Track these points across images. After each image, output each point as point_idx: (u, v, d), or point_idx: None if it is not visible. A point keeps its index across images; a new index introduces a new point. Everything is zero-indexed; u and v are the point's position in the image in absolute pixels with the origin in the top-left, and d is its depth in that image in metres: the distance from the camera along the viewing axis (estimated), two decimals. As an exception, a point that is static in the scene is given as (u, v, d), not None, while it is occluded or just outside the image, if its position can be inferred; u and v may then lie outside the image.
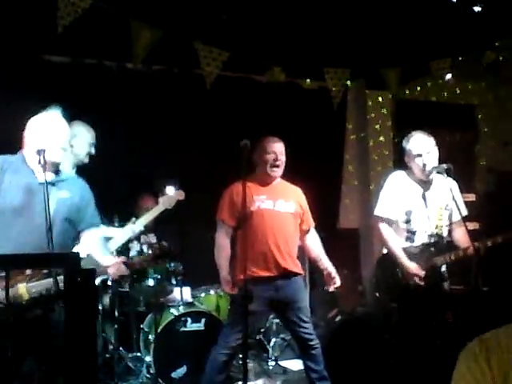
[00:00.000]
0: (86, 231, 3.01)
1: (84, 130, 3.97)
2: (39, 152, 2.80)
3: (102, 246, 3.09)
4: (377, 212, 3.77)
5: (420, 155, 3.66)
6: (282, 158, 3.74)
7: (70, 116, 4.08)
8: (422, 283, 3.60)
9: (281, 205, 3.69)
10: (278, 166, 3.72)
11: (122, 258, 3.07)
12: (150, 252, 3.88)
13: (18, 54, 4.45)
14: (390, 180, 3.83)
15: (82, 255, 3.02)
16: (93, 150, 3.97)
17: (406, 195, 3.72)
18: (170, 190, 3.92)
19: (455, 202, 3.64)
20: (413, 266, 3.61)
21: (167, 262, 4.56)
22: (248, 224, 3.46)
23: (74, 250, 3.01)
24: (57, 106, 2.96)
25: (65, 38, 3.83)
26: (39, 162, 2.79)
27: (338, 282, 3.80)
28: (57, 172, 2.96)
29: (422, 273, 3.60)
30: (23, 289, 2.62)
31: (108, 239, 3.29)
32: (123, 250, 4.37)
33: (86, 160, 3.96)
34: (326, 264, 3.83)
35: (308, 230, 3.90)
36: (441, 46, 4.78)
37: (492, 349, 1.28)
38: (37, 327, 2.64)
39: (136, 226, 3.56)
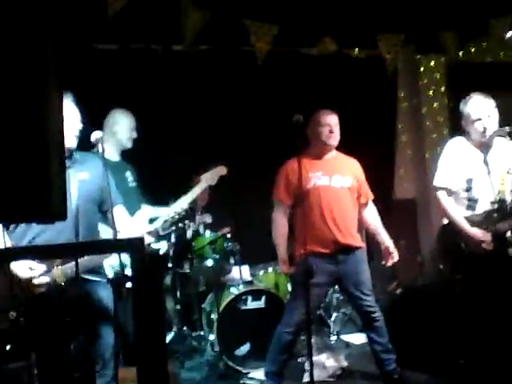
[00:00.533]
0: (114, 208, 2.89)
1: (123, 116, 4.01)
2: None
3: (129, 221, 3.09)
4: (436, 182, 3.66)
5: (480, 119, 3.52)
6: (337, 130, 3.68)
7: (116, 102, 4.17)
8: (489, 248, 3.48)
9: (337, 180, 3.64)
10: (333, 138, 3.66)
11: (148, 228, 3.06)
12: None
13: (68, 43, 4.50)
14: (448, 147, 3.70)
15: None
16: (134, 134, 4.01)
17: (466, 162, 3.60)
18: (212, 167, 3.90)
19: None
20: (477, 232, 3.50)
21: (221, 236, 4.58)
22: (305, 202, 3.43)
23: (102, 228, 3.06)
24: (68, 92, 2.87)
25: (112, 24, 3.84)
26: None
27: (396, 257, 3.74)
28: (70, 156, 2.88)
29: (489, 238, 3.48)
30: (59, 272, 2.68)
31: (154, 220, 3.31)
32: (180, 232, 4.44)
33: (129, 145, 4.02)
34: (385, 238, 3.77)
35: (366, 203, 3.84)
36: (498, 2, 4.54)
37: None
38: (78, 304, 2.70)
39: (179, 203, 3.56)
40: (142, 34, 4.74)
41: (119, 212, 3.01)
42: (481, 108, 3.52)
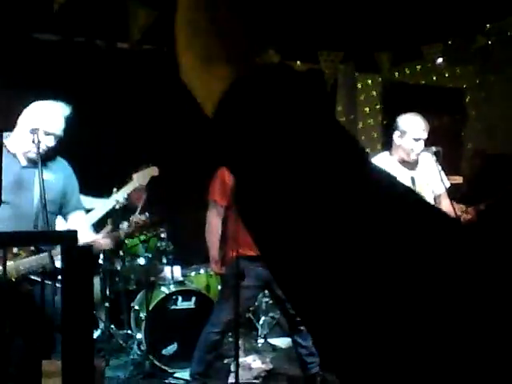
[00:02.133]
0: (72, 213, 3.05)
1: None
2: (33, 131, 2.81)
3: (87, 228, 3.12)
4: None
5: (419, 139, 3.70)
6: None
7: (54, 96, 4.11)
8: None
9: None
10: None
11: (107, 229, 3.11)
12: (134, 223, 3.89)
13: (8, 32, 4.41)
14: (375, 162, 3.88)
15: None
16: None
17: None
18: (144, 167, 3.96)
19: (437, 175, 3.74)
20: None
21: (154, 235, 4.59)
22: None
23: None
24: (62, 98, 2.98)
25: (57, 16, 3.80)
26: (33, 141, 2.81)
27: None
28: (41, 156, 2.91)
29: None
30: (11, 266, 2.65)
31: (88, 211, 3.33)
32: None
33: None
34: None
35: None
36: (431, 29, 4.82)
37: None
38: (26, 304, 2.69)
39: (110, 200, 3.59)
40: (86, 28, 4.70)
41: (78, 218, 3.04)
42: (413, 128, 3.72)
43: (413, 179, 3.80)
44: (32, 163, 2.91)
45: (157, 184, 4.18)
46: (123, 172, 4.38)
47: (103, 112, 4.94)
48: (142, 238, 4.64)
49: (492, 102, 6.57)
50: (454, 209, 3.65)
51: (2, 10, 4.14)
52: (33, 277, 2.76)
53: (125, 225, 3.90)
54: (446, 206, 3.81)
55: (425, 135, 3.70)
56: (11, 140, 2.92)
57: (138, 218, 4.89)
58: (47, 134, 2.90)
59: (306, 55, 5.48)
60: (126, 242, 4.67)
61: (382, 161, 3.84)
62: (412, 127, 3.71)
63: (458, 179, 5.33)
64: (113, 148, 4.94)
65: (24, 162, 2.94)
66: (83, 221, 3.10)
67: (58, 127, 2.96)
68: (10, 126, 3.01)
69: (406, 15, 4.56)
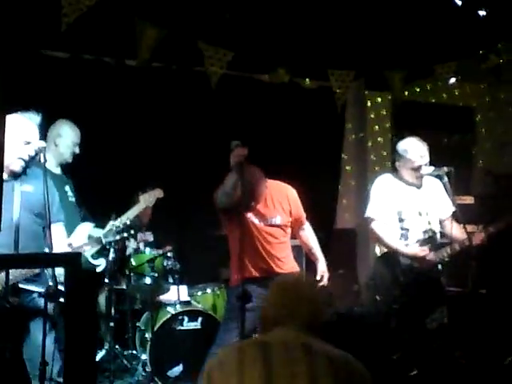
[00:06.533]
0: (53, 225, 2.88)
1: (69, 130, 3.96)
2: (40, 150, 2.79)
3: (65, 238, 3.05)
4: (368, 213, 3.81)
5: (420, 167, 3.70)
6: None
7: (62, 114, 4.10)
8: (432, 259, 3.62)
9: (268, 220, 3.69)
10: None
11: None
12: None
13: (18, 49, 4.41)
14: (377, 183, 3.87)
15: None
16: (77, 150, 3.98)
17: (395, 196, 3.76)
18: (150, 189, 4.01)
19: (444, 198, 3.73)
20: (415, 250, 3.63)
21: (161, 254, 4.55)
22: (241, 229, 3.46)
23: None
24: (37, 109, 2.92)
25: (66, 34, 3.80)
26: (39, 160, 2.78)
27: (325, 278, 3.78)
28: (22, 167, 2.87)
29: (427, 251, 3.62)
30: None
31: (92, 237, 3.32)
32: (120, 245, 4.39)
33: (70, 159, 3.98)
34: (318, 258, 3.82)
35: (301, 228, 3.88)
36: (444, 48, 4.79)
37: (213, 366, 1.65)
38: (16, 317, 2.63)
39: (117, 222, 3.59)
40: (95, 46, 4.70)
41: (58, 230, 2.96)
42: (420, 156, 3.70)
43: (416, 197, 3.76)
44: (12, 176, 2.84)
45: (165, 204, 4.16)
46: (132, 193, 4.38)
47: (110, 130, 4.91)
48: (149, 256, 4.59)
49: (503, 120, 6.52)
50: (464, 232, 3.60)
51: (12, 27, 4.16)
52: (21, 285, 2.70)
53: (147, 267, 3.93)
54: (453, 229, 3.76)
55: (425, 161, 3.67)
56: None
57: (142, 236, 4.88)
58: (26, 143, 2.84)
59: (316, 73, 5.46)
60: (132, 260, 4.63)
61: (387, 181, 3.81)
62: (412, 156, 3.70)
63: (469, 199, 5.27)
64: (121, 167, 4.91)
65: (4, 176, 2.87)
66: (63, 233, 3.03)
67: (35, 136, 2.89)
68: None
69: (418, 34, 4.54)
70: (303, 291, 1.77)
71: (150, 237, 4.92)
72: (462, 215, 3.76)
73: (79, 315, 2.06)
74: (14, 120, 2.86)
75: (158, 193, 3.89)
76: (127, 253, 4.65)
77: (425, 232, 3.72)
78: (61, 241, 2.94)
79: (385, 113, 6.40)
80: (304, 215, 3.88)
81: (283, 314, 1.71)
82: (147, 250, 4.70)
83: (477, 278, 4.54)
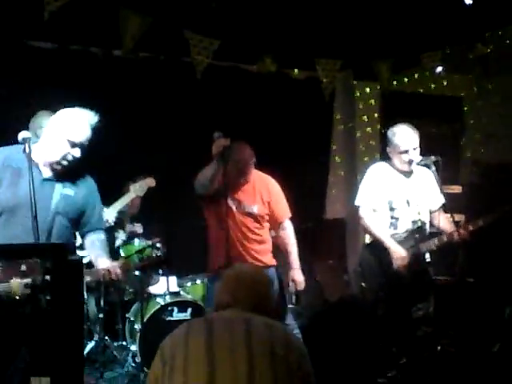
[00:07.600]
0: (91, 234, 2.92)
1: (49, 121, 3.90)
2: (24, 140, 2.72)
3: (104, 250, 2.98)
4: (358, 202, 3.81)
5: (407, 151, 3.69)
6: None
7: (54, 105, 4.05)
8: (404, 264, 3.62)
9: (245, 207, 3.68)
10: None
11: (119, 263, 2.98)
12: (146, 258, 3.94)
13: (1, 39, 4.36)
14: (370, 171, 3.86)
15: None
16: None
17: (388, 185, 3.77)
18: (141, 178, 3.96)
19: (434, 190, 3.74)
20: (400, 249, 3.64)
21: (150, 245, 4.53)
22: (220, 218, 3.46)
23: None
24: (88, 105, 2.88)
25: (50, 24, 3.75)
26: (24, 151, 2.72)
27: (299, 286, 3.77)
28: (65, 168, 2.81)
29: (407, 257, 3.63)
30: (16, 284, 2.56)
31: None
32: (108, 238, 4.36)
33: None
34: (293, 263, 3.78)
35: (280, 223, 3.82)
36: (431, 38, 4.79)
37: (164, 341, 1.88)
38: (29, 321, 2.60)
39: (108, 211, 3.56)
40: (81, 36, 4.64)
41: (97, 239, 2.93)
42: (409, 141, 3.70)
43: (407, 186, 3.77)
44: (55, 175, 2.79)
45: (153, 194, 4.14)
46: (120, 183, 4.35)
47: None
48: (138, 247, 4.58)
49: (491, 110, 6.54)
50: (453, 224, 3.63)
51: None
52: None
53: (136, 258, 3.92)
54: (442, 221, 3.78)
55: (413, 146, 3.67)
56: (35, 149, 2.77)
57: (131, 227, 4.86)
58: (74, 144, 2.77)
59: (304, 63, 5.45)
60: (122, 251, 4.62)
61: (380, 169, 3.81)
62: (399, 140, 3.70)
63: (457, 189, 5.30)
64: (109, 158, 4.88)
65: (47, 174, 2.80)
66: (100, 242, 2.96)
67: (86, 137, 2.83)
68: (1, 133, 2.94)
69: (405, 23, 4.54)
70: (244, 279, 2.00)
71: (139, 228, 4.91)
72: (449, 204, 3.79)
73: (66, 307, 2.06)
74: (67, 117, 2.80)
75: (149, 181, 3.86)
76: (116, 244, 4.64)
77: (414, 222, 3.74)
78: (95, 251, 2.93)
79: (373, 103, 6.40)
80: (285, 213, 3.80)
81: (228, 299, 1.95)
82: (136, 241, 4.68)
83: (464, 266, 4.59)
